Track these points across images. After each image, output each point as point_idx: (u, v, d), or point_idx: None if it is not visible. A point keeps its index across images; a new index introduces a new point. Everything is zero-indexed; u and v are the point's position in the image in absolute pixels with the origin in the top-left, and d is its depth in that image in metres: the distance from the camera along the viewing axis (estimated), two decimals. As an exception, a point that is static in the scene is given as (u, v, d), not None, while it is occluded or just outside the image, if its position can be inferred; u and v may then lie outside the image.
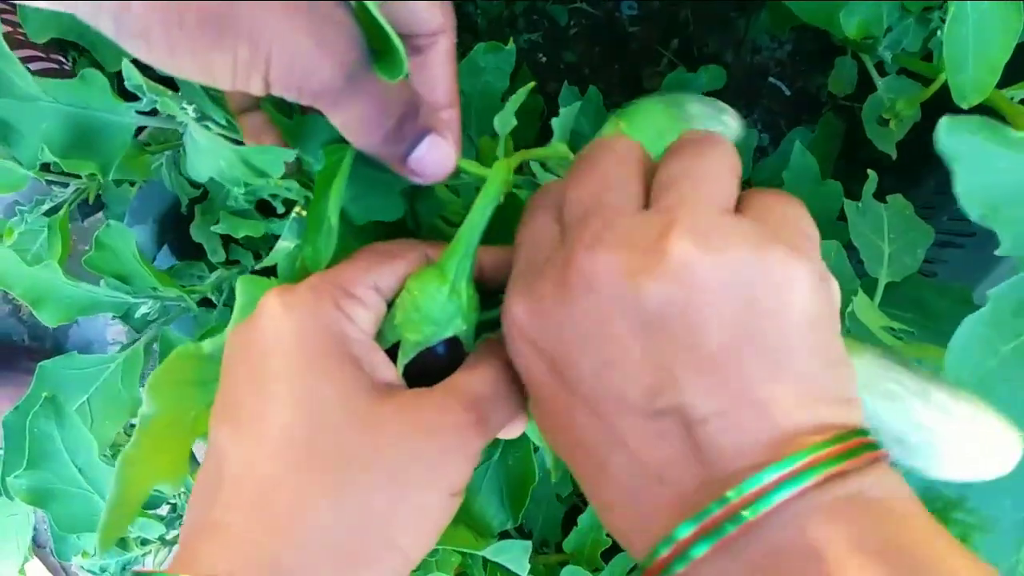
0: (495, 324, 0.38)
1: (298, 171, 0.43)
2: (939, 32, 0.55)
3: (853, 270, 0.53)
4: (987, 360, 0.36)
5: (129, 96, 0.48)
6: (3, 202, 0.75)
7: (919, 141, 0.64)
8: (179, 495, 0.54)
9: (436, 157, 0.35)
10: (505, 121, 0.42)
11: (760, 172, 0.67)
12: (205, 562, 0.27)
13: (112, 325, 1.18)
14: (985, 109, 0.49)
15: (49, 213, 0.62)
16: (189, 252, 0.59)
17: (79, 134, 0.49)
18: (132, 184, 0.62)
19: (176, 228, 0.60)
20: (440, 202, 0.49)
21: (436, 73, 0.35)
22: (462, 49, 0.64)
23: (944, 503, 0.39)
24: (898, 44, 0.54)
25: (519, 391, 0.33)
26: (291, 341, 0.30)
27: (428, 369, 0.33)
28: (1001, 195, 0.34)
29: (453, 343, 0.34)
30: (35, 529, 0.66)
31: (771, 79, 0.81)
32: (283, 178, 0.42)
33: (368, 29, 0.29)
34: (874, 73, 0.56)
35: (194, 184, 0.56)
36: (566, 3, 0.84)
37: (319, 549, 0.28)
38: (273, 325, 0.31)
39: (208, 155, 0.44)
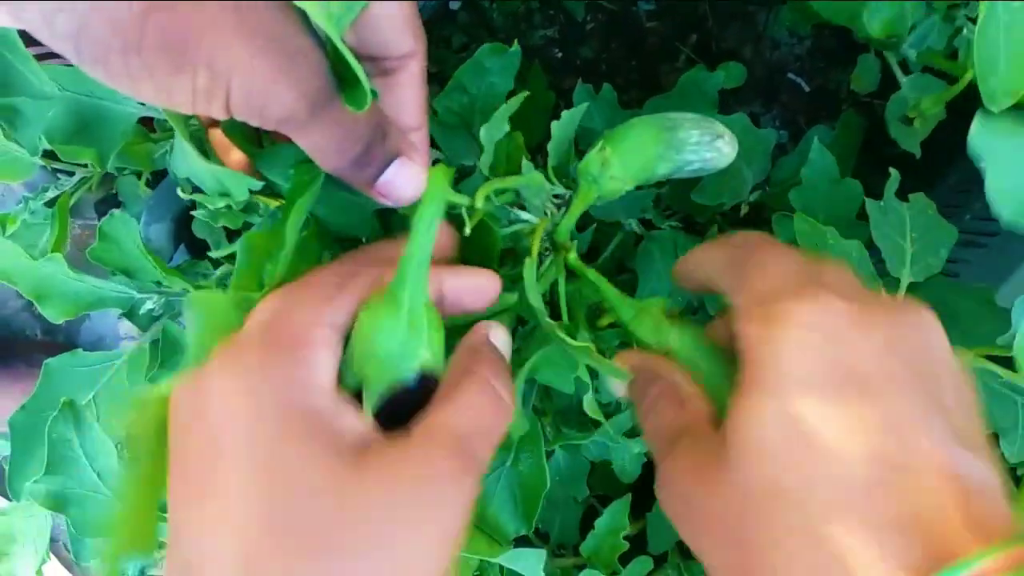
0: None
1: (266, 190, 0.43)
2: (964, 30, 0.54)
3: (875, 270, 0.52)
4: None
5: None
6: (13, 194, 0.75)
7: (940, 138, 0.62)
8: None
9: (404, 181, 0.35)
10: (494, 131, 0.41)
11: (779, 171, 0.65)
12: None
13: (124, 320, 1.18)
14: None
15: (52, 203, 0.61)
16: (206, 251, 0.58)
17: (82, 122, 0.49)
18: (148, 184, 0.61)
19: (193, 227, 0.59)
20: (404, 220, 0.48)
21: (405, 96, 0.35)
22: (476, 45, 0.63)
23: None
24: (923, 42, 0.52)
25: (502, 411, 0.32)
26: (245, 408, 0.28)
27: (400, 402, 0.31)
28: (1034, 197, 0.33)
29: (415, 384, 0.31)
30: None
31: (790, 75, 0.80)
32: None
33: (334, 57, 0.29)
34: (898, 71, 0.55)
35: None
36: (582, -2, 0.82)
37: None
38: (222, 391, 0.28)
39: (187, 159, 0.44)
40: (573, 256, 0.43)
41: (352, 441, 0.28)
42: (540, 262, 0.43)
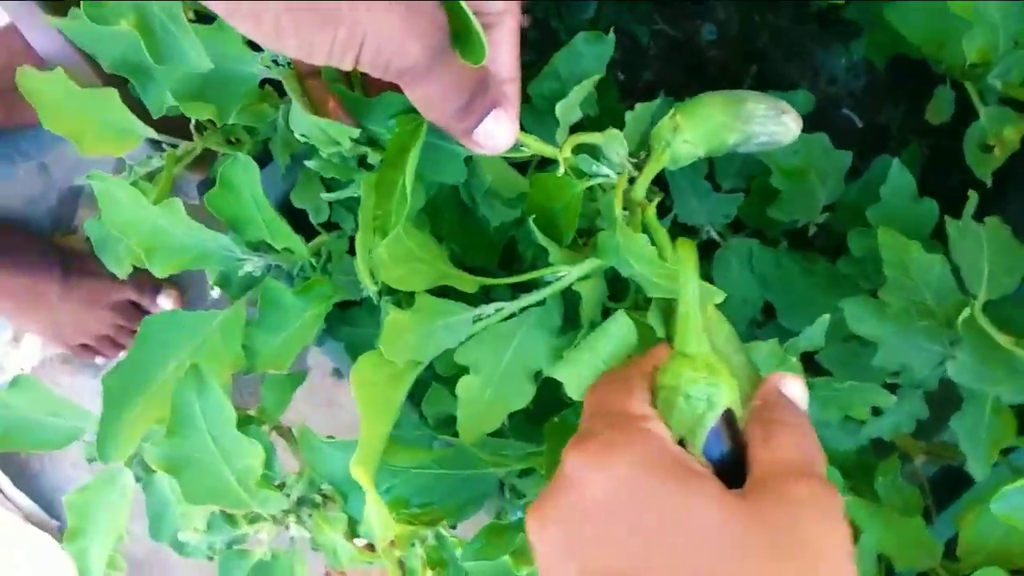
0: None
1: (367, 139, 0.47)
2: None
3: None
4: None
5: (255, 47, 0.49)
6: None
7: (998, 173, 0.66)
8: (293, 476, 0.54)
9: (500, 131, 0.38)
10: (568, 110, 0.46)
11: (845, 196, 0.68)
12: None
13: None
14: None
15: (151, 177, 0.62)
16: (306, 233, 0.59)
17: (206, 82, 0.50)
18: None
19: (295, 212, 0.60)
20: (482, 180, 0.54)
21: (502, 49, 0.37)
22: (543, 63, 0.67)
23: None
24: (1007, 73, 0.55)
25: (818, 448, 0.34)
26: (635, 476, 0.31)
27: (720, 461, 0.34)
28: None
29: (724, 428, 0.35)
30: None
31: (844, 110, 0.83)
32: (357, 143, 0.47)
33: (452, 14, 0.33)
34: (977, 102, 0.58)
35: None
36: (648, 23, 0.86)
37: None
38: (607, 479, 0.31)
39: (296, 115, 0.48)
40: (652, 212, 0.45)
41: (719, 484, 0.31)
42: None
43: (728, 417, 0.34)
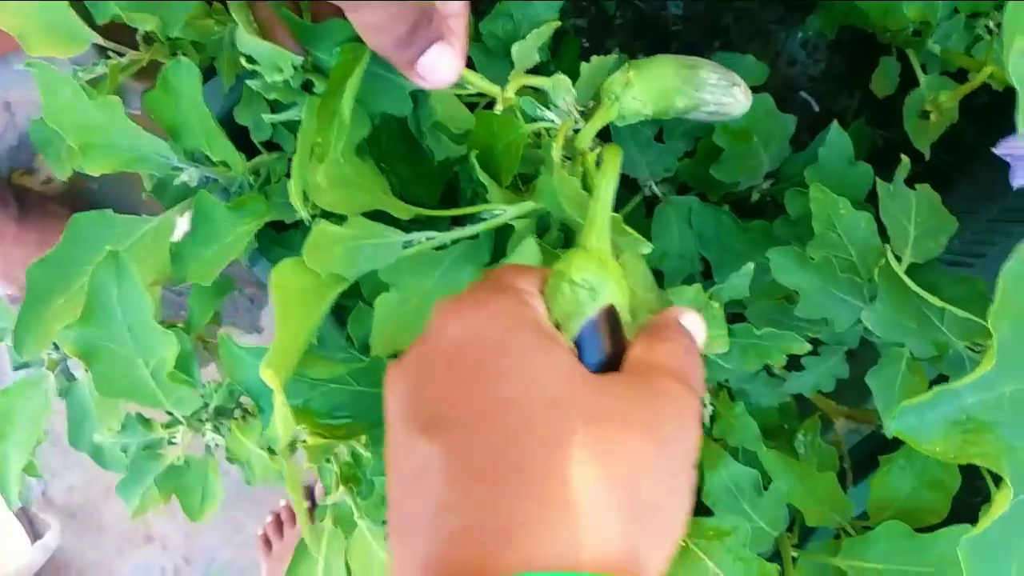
0: None
1: (312, 67, 0.47)
2: (983, 39, 0.58)
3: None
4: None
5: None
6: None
7: (948, 154, 0.67)
8: (214, 384, 0.53)
9: (443, 64, 0.38)
10: (524, 53, 0.46)
11: (790, 166, 0.69)
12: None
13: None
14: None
15: (96, 83, 0.62)
16: (246, 151, 0.59)
17: (153, -5, 0.50)
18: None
19: (236, 128, 0.60)
20: (432, 111, 0.53)
21: None
22: None
23: (976, 425, 0.40)
24: (946, 40, 0.56)
25: (700, 368, 0.33)
26: (502, 324, 0.30)
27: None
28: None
29: (607, 335, 0.34)
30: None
31: (802, 94, 0.85)
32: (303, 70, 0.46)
33: None
34: (919, 70, 0.59)
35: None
36: (616, -6, 0.87)
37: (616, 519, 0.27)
38: (464, 329, 0.30)
39: (242, 36, 0.47)
40: (592, 159, 0.46)
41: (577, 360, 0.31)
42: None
43: (613, 325, 0.34)
